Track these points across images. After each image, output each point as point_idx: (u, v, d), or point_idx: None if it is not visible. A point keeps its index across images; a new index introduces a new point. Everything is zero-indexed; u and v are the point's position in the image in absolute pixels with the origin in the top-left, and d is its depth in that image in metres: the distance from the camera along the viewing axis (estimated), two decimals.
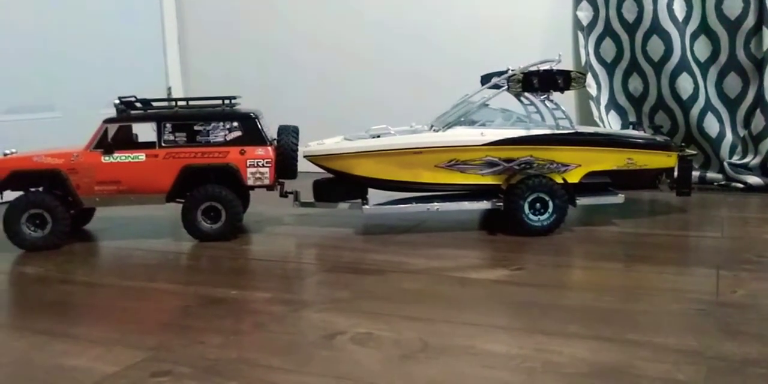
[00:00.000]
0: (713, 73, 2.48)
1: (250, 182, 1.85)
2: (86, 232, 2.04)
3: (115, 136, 1.83)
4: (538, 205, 1.82)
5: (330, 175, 1.93)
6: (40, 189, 1.84)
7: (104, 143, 1.82)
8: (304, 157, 1.91)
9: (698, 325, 1.17)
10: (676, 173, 1.96)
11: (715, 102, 2.49)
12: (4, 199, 1.84)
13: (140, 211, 2.03)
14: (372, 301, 1.35)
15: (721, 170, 2.49)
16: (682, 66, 2.44)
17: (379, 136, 1.90)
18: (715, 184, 2.50)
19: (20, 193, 1.83)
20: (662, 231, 1.89)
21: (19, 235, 1.79)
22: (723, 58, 2.45)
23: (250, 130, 1.85)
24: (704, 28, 2.45)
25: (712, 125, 2.47)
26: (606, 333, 1.14)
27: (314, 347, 1.11)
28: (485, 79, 2.03)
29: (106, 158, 1.82)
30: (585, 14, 2.63)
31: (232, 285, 1.47)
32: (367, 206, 1.90)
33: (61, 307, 1.38)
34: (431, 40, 2.86)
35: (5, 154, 1.85)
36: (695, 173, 2.45)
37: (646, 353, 1.05)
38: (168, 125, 1.84)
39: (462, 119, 1.90)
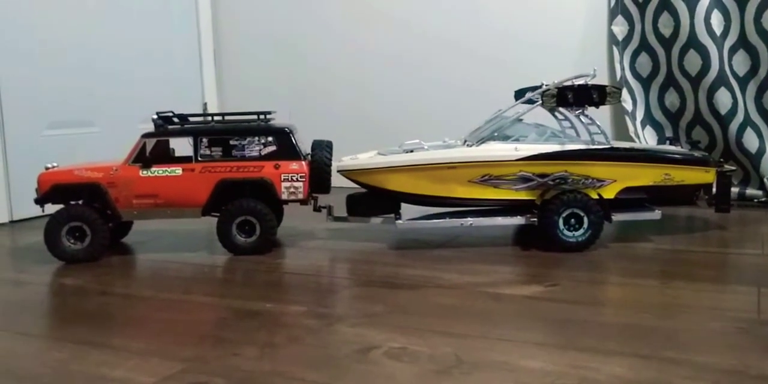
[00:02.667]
0: (752, 87, 2.44)
1: (284, 196, 1.86)
2: (124, 244, 2.07)
3: (153, 151, 1.87)
4: (572, 220, 1.80)
5: (363, 190, 1.94)
6: (80, 202, 1.88)
7: (142, 157, 1.86)
8: (338, 171, 1.92)
9: (739, 343, 1.14)
10: (714, 189, 1.93)
11: (755, 117, 2.45)
12: (46, 212, 1.88)
13: (177, 225, 2.06)
14: (406, 315, 1.34)
15: (761, 186, 2.44)
16: (721, 80, 2.41)
17: (412, 151, 1.90)
18: (755, 200, 2.45)
19: (61, 206, 1.86)
20: (700, 248, 1.86)
21: (60, 248, 1.82)
22: (763, 72, 2.41)
23: (285, 145, 1.87)
24: (743, 42, 2.41)
25: (751, 140, 2.43)
26: (644, 350, 1.12)
27: (349, 361, 1.11)
28: (519, 94, 2.03)
29: (144, 172, 1.85)
30: (620, 29, 2.61)
31: (267, 298, 1.48)
32: (400, 221, 1.90)
33: (100, 318, 1.40)
34: (466, 55, 2.87)
35: (47, 168, 1.89)
36: (734, 189, 2.40)
37: (685, 372, 1.03)
38: (204, 140, 1.86)
39: (495, 134, 1.90)
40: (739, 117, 2.42)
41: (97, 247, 1.84)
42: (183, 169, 1.85)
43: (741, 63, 2.44)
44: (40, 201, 1.87)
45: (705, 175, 1.90)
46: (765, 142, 2.44)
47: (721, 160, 2.10)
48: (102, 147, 2.38)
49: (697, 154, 1.95)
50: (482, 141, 1.88)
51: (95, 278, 1.70)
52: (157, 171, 1.85)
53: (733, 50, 2.44)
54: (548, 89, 1.86)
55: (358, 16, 3.06)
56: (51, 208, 1.87)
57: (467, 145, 1.90)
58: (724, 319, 1.26)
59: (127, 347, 1.21)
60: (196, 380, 1.06)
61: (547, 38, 2.74)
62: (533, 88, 1.93)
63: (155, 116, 1.90)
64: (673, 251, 1.82)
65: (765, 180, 2.42)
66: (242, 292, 1.56)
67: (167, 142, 1.93)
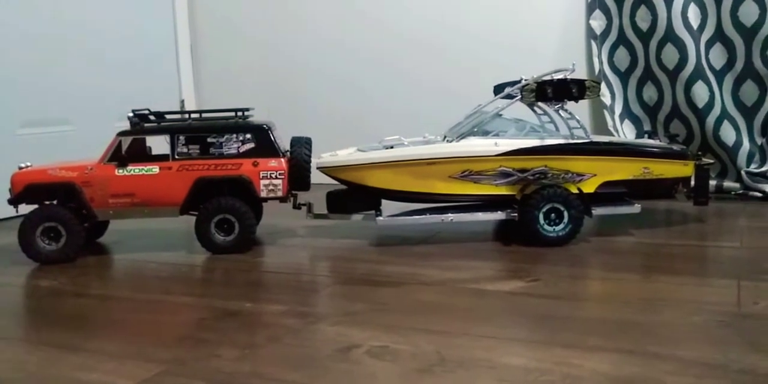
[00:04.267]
0: (729, 80, 2.46)
1: (263, 194, 1.84)
2: (100, 245, 2.04)
3: (129, 149, 1.84)
4: (553, 215, 1.80)
5: (343, 187, 1.93)
6: (55, 202, 1.85)
7: (118, 156, 1.83)
8: (318, 168, 1.90)
9: (721, 337, 1.15)
10: (693, 182, 1.94)
11: (732, 110, 2.46)
12: (20, 213, 1.85)
13: (154, 224, 2.03)
14: (388, 313, 1.33)
15: (739, 179, 2.46)
16: (698, 74, 2.42)
17: (392, 147, 1.89)
18: (733, 193, 2.47)
19: (35, 206, 1.83)
20: (680, 241, 1.87)
21: (34, 248, 1.79)
22: (739, 65, 2.43)
23: (263, 142, 1.85)
24: (720, 36, 2.43)
25: (728, 133, 2.45)
26: (627, 345, 1.12)
27: (330, 361, 1.10)
28: (498, 89, 2.03)
29: (120, 171, 1.82)
30: (598, 23, 2.62)
31: (247, 298, 1.46)
32: (380, 218, 1.89)
33: (75, 320, 1.37)
34: (444, 50, 2.86)
35: (20, 168, 1.86)
36: (712, 182, 2.42)
37: (668, 367, 1.03)
38: (181, 137, 1.84)
39: (475, 129, 1.89)
40: (716, 110, 2.43)
41: (72, 247, 1.80)
42: (160, 168, 1.83)
43: (718, 56, 2.45)
44: (14, 201, 1.83)
45: (684, 169, 1.91)
46: (742, 135, 2.46)
47: (699, 153, 2.11)
48: (77, 146, 2.33)
49: (675, 147, 1.96)
50: (462, 136, 1.87)
51: (71, 279, 1.67)
52: (134, 170, 1.82)
53: (709, 44, 2.45)
54: (527, 84, 1.85)
55: (336, 12, 3.04)
56: (25, 209, 1.83)
57: (447, 140, 1.89)
58: (705, 312, 1.27)
59: (104, 350, 1.19)
60: (174, 383, 1.04)
61: (525, 33, 2.74)
62: (512, 83, 1.92)
63: (131, 114, 1.87)
64: (653, 245, 1.83)
65: (742, 172, 2.44)
66: (221, 291, 1.54)
67: (144, 140, 1.90)
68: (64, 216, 1.79)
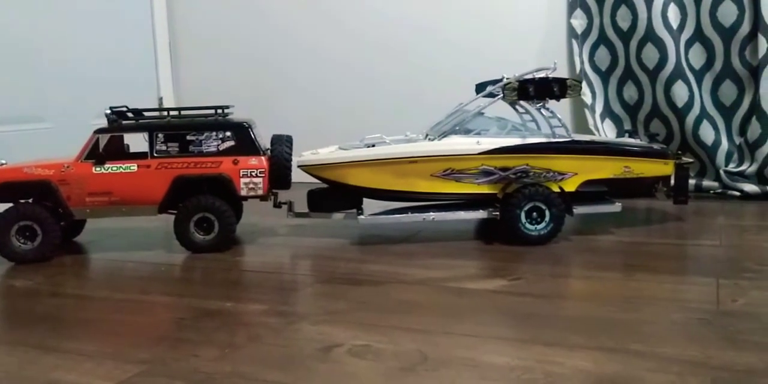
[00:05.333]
0: (708, 80, 2.48)
1: (243, 192, 1.83)
2: (77, 244, 2.01)
3: (107, 147, 1.81)
4: (534, 214, 1.81)
5: (324, 185, 1.91)
6: (30, 201, 1.82)
7: (95, 154, 1.80)
8: (298, 166, 1.89)
9: (701, 334, 1.15)
10: (672, 181, 1.95)
11: (711, 110, 2.48)
12: None
13: (132, 223, 2.01)
14: (369, 312, 1.32)
15: (717, 178, 2.48)
16: (677, 74, 2.44)
17: (374, 146, 1.88)
18: (712, 192, 2.49)
19: (10, 204, 1.80)
20: (660, 240, 1.88)
21: (9, 248, 1.76)
22: (718, 65, 2.45)
23: (243, 140, 1.83)
24: (699, 36, 2.45)
25: (707, 133, 2.47)
26: (608, 343, 1.12)
27: (311, 360, 1.09)
28: (480, 88, 2.03)
29: (98, 169, 1.80)
30: (579, 22, 2.63)
31: (227, 297, 1.45)
32: (362, 216, 1.88)
33: (52, 320, 1.35)
34: (426, 49, 2.86)
35: None
36: (691, 181, 2.44)
37: (649, 364, 1.03)
38: (160, 135, 1.82)
39: (457, 128, 1.89)
40: (696, 110, 2.45)
41: (48, 246, 1.78)
42: (138, 166, 1.80)
43: (697, 56, 2.47)
44: None
45: (664, 168, 1.92)
46: (720, 135, 2.48)
47: (679, 152, 2.12)
48: (53, 143, 2.29)
49: (655, 146, 1.97)
50: (444, 135, 1.87)
51: (47, 279, 1.64)
52: (111, 168, 1.80)
53: (689, 44, 2.47)
54: (509, 82, 1.85)
55: (313, 12, 3.03)
56: (0, 207, 1.80)
57: (429, 139, 1.88)
58: (685, 310, 1.27)
59: (81, 350, 1.17)
60: (153, 383, 1.02)
61: (506, 32, 2.74)
62: (494, 82, 1.92)
63: (108, 111, 1.85)
64: (633, 243, 1.84)
65: (721, 172, 2.46)
66: (201, 291, 1.52)
67: (121, 137, 1.87)
68: (39, 215, 1.77)
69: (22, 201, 1.82)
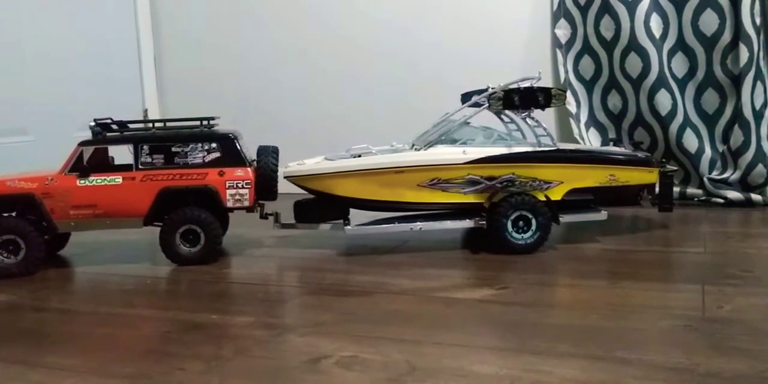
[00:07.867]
0: (691, 89, 2.50)
1: (229, 204, 1.82)
2: (61, 257, 1.99)
3: (91, 159, 1.80)
4: (521, 223, 1.81)
5: (311, 196, 1.91)
6: (14, 214, 1.80)
7: (79, 166, 1.79)
8: (285, 177, 1.88)
9: (687, 341, 1.15)
10: (657, 189, 1.96)
11: (694, 118, 2.51)
12: None
13: (117, 236, 1.99)
14: (357, 323, 1.32)
15: (701, 186, 2.50)
16: (660, 82, 2.46)
17: (360, 156, 1.88)
18: (696, 199, 2.51)
19: None
20: (645, 247, 1.89)
21: None
22: (700, 74, 2.47)
23: (229, 151, 1.83)
24: (681, 45, 2.47)
25: (691, 141, 2.49)
26: (595, 351, 1.12)
27: (299, 372, 1.08)
28: (465, 98, 2.03)
29: (82, 182, 1.78)
30: (563, 32, 2.65)
31: (213, 309, 1.44)
32: (349, 227, 1.88)
33: (36, 335, 1.33)
34: (411, 59, 2.87)
35: None
36: (675, 189, 2.46)
37: (636, 371, 1.03)
38: (145, 147, 1.81)
39: (443, 138, 1.89)
40: (679, 118, 2.47)
41: (32, 260, 1.76)
42: (123, 178, 1.79)
43: (680, 65, 2.50)
44: None
45: (648, 176, 1.93)
46: (704, 142, 2.50)
47: (663, 160, 2.14)
48: (37, 156, 2.29)
49: (640, 155, 1.98)
50: (430, 145, 1.87)
51: (30, 293, 1.63)
52: (96, 180, 1.79)
53: (672, 53, 2.49)
54: (494, 92, 1.86)
55: (301, 20, 3.03)
56: None
57: (415, 149, 1.89)
58: (671, 317, 1.28)
59: (65, 366, 1.15)
60: None
61: (491, 42, 2.76)
62: (479, 92, 1.93)
63: (93, 123, 1.84)
64: (619, 251, 1.85)
65: (704, 179, 2.48)
66: (187, 303, 1.51)
67: (106, 150, 1.87)
68: (23, 228, 1.75)
69: (5, 214, 1.80)
